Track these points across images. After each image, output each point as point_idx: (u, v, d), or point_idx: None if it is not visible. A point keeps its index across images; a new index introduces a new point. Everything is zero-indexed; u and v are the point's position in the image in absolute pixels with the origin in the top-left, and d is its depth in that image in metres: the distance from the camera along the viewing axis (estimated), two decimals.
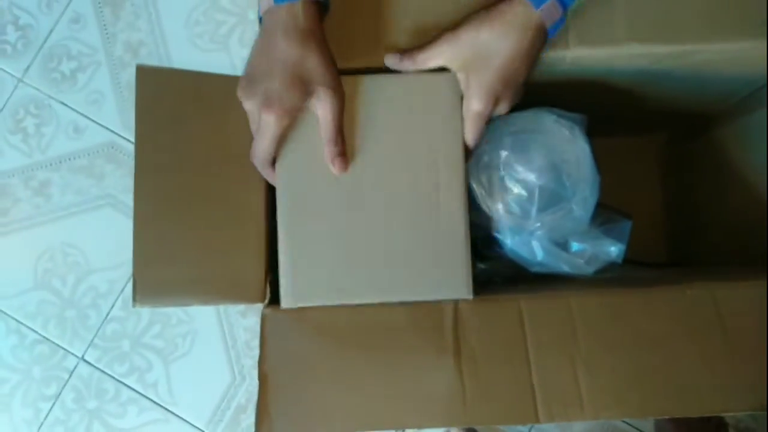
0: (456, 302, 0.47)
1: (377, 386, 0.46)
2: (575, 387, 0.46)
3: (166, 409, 0.83)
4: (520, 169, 0.52)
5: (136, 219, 0.47)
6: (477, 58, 0.45)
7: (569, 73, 0.53)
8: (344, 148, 0.45)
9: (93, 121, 0.89)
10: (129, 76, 0.90)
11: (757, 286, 0.47)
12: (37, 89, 0.90)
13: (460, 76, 0.47)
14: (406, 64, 0.47)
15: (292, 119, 0.44)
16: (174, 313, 0.84)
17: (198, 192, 0.48)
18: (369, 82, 0.47)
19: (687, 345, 0.46)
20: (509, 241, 0.53)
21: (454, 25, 0.46)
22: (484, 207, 0.53)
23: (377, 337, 0.47)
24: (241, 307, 0.84)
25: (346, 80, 0.46)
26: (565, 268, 0.52)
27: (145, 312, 0.85)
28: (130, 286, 0.85)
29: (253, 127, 0.46)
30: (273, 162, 0.47)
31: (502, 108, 0.47)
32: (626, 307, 0.47)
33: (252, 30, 0.89)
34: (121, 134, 0.89)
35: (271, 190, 0.49)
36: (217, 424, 0.83)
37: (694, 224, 0.73)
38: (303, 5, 0.42)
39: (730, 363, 0.46)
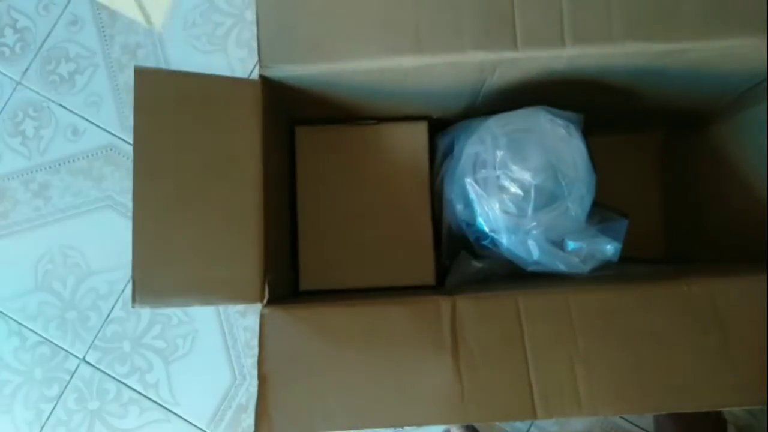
0: (454, 299, 0.48)
1: (376, 385, 0.46)
2: (573, 384, 0.46)
3: (168, 409, 0.83)
4: (515, 168, 0.52)
5: (135, 220, 0.47)
6: None
7: (565, 72, 0.54)
8: None
9: (92, 123, 0.90)
10: (127, 78, 0.90)
11: (755, 281, 0.47)
12: (36, 92, 0.91)
13: None
14: None
15: None
16: (174, 313, 0.85)
17: (197, 193, 0.48)
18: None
19: (685, 341, 0.46)
20: (505, 240, 0.53)
21: None
22: (479, 205, 0.54)
23: (376, 336, 0.47)
24: (241, 307, 0.84)
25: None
26: (562, 267, 0.53)
27: (146, 313, 0.85)
28: (130, 287, 0.86)
29: None
30: None
31: None
32: (624, 303, 0.47)
33: (249, 31, 0.89)
34: (120, 136, 0.89)
35: (268, 191, 0.49)
36: (218, 423, 0.83)
37: (692, 221, 0.73)
38: None
39: (728, 359, 0.46)
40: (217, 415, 0.83)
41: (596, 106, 0.58)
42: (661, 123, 0.77)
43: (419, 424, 0.46)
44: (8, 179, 0.89)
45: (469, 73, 0.54)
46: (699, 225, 0.71)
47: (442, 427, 0.81)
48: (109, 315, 0.85)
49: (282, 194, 0.62)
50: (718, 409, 0.76)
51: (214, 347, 0.84)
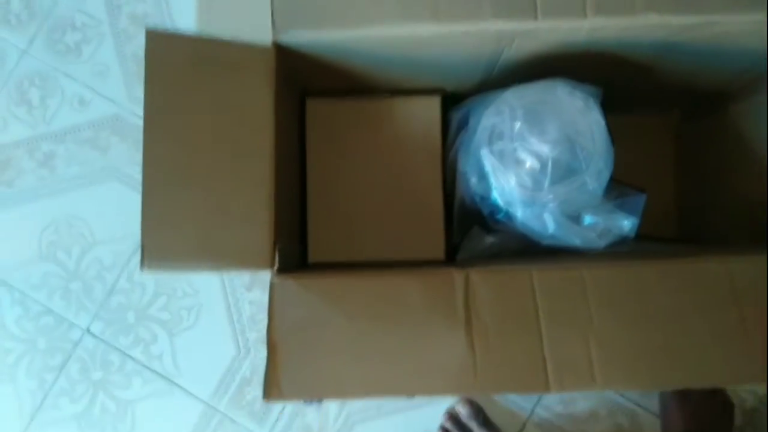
0: (467, 272, 0.47)
1: (387, 355, 0.46)
2: (587, 358, 0.46)
3: (171, 380, 0.83)
4: (533, 140, 0.51)
5: (145, 183, 0.46)
6: None
7: (585, 44, 0.52)
8: None
9: (98, 93, 0.88)
10: (134, 48, 0.89)
11: None
12: (42, 61, 0.89)
13: None
14: None
15: None
16: (179, 286, 0.84)
17: (207, 158, 0.47)
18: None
19: (701, 317, 0.46)
20: (520, 213, 0.52)
21: None
22: (494, 178, 0.53)
23: (388, 307, 0.47)
24: (246, 280, 0.83)
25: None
26: (577, 242, 0.52)
27: (150, 284, 0.85)
28: (135, 258, 0.85)
29: None
30: None
31: None
32: (641, 279, 0.47)
33: None
34: (127, 107, 0.88)
35: (279, 159, 0.49)
36: (222, 396, 0.83)
37: (707, 202, 0.72)
38: None
39: (744, 336, 0.45)
40: (220, 387, 0.83)
41: (614, 82, 0.57)
42: (679, 101, 0.76)
43: (431, 394, 0.46)
44: (13, 148, 0.88)
45: (486, 43, 0.53)
46: (714, 205, 0.70)
47: (450, 401, 0.81)
48: (114, 286, 0.85)
49: (292, 165, 0.62)
50: (732, 386, 0.75)
51: (219, 320, 0.83)
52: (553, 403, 0.81)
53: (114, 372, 0.83)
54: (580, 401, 0.81)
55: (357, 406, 0.82)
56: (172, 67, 0.48)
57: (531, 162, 0.51)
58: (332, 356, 0.45)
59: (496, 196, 0.53)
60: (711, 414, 0.70)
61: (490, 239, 0.58)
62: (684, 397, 0.72)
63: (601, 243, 0.52)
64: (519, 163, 0.52)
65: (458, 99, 0.64)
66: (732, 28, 0.51)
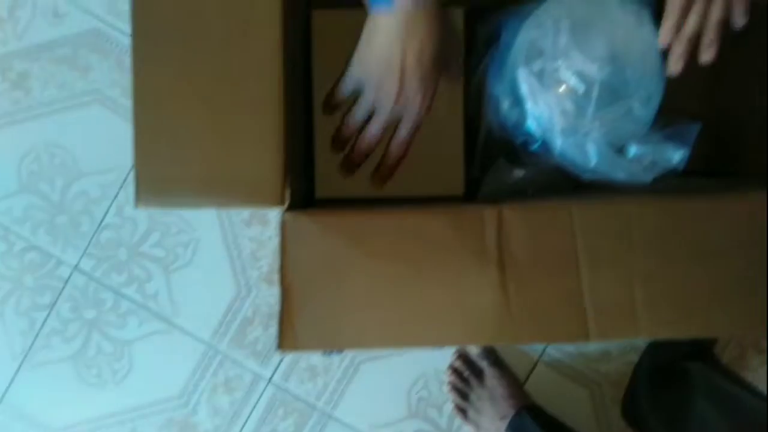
0: (500, 208, 0.42)
1: (413, 300, 0.42)
2: (630, 303, 0.42)
3: (168, 320, 0.79)
4: (579, 59, 0.45)
5: (136, 106, 0.40)
6: None
7: None
8: None
9: (75, 3, 0.79)
10: None
11: None
12: None
13: None
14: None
15: None
16: (173, 221, 0.79)
17: (206, 75, 0.41)
18: None
19: (752, 258, 0.43)
20: (560, 142, 0.47)
21: None
22: (532, 102, 0.47)
23: (412, 246, 0.42)
24: (246, 215, 0.78)
25: None
26: (621, 176, 0.47)
27: (142, 219, 0.79)
28: (123, 191, 0.79)
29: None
30: None
31: None
32: (689, 216, 0.43)
33: None
34: (108, 21, 0.79)
35: (287, 75, 0.42)
36: (222, 336, 0.79)
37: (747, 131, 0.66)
38: None
39: None
40: (221, 327, 0.79)
41: None
42: None
43: (460, 344, 0.42)
44: None
45: None
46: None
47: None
48: (102, 220, 0.79)
49: (297, 88, 0.55)
50: None
51: (217, 257, 0.79)
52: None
53: (107, 311, 0.79)
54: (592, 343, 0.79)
55: None
56: None
57: (575, 83, 0.45)
58: (352, 301, 0.42)
59: (532, 123, 0.48)
60: None
61: (519, 173, 0.52)
62: None
63: (648, 177, 0.47)
64: (561, 84, 0.46)
65: (486, 11, 0.57)
66: None
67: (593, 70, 0.45)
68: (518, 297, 0.42)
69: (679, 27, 0.40)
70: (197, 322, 0.79)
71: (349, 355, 0.79)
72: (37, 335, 0.80)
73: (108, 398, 0.80)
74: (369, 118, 0.50)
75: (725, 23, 0.42)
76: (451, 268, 0.42)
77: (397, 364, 0.79)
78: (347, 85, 0.50)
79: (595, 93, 0.45)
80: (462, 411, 0.76)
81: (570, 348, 0.80)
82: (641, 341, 0.78)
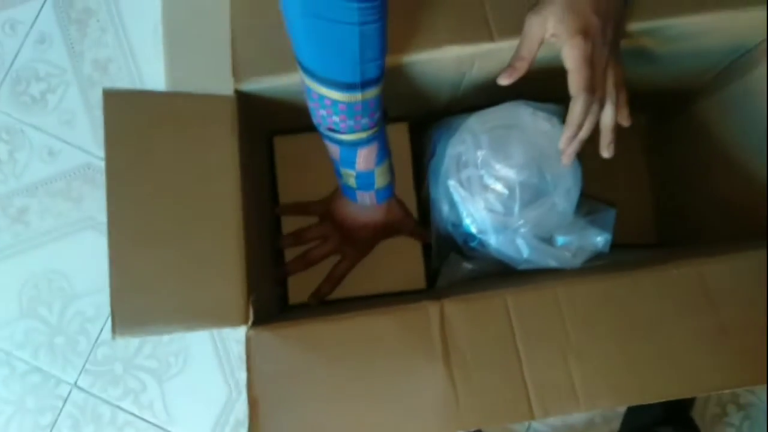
0: (441, 303, 0.47)
1: (369, 399, 0.45)
2: (568, 378, 0.45)
3: (164, 429, 0.82)
4: (498, 166, 0.51)
5: (110, 247, 0.45)
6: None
7: (545, 60, 0.52)
8: None
9: (67, 143, 0.88)
10: (100, 94, 0.87)
11: (741, 258, 0.47)
12: (8, 114, 0.88)
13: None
14: (519, 68, 0.46)
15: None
16: None
17: (174, 215, 0.47)
18: None
19: (679, 325, 0.46)
20: (493, 240, 0.52)
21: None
22: (465, 207, 0.53)
23: (364, 348, 0.46)
24: None
25: None
26: (553, 263, 0.52)
27: None
28: None
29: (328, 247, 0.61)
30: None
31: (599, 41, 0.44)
32: (613, 291, 0.47)
33: None
34: (97, 154, 0.87)
35: (247, 209, 0.48)
36: None
37: (681, 202, 0.72)
38: None
39: (724, 339, 0.45)
40: (215, 430, 0.82)
41: None
42: (644, 106, 0.76)
43: None
44: None
45: (447, 68, 0.53)
46: (687, 206, 0.70)
47: None
48: (98, 338, 0.84)
49: (264, 207, 0.61)
50: (719, 392, 0.75)
51: (208, 363, 0.83)
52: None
53: (106, 425, 0.82)
54: None
55: None
56: (132, 125, 0.48)
57: (499, 188, 0.51)
58: (314, 405, 0.45)
59: (468, 224, 0.53)
60: None
61: (468, 266, 0.58)
62: None
63: (577, 261, 0.52)
64: (487, 189, 0.51)
65: (425, 125, 0.64)
66: (686, 30, 0.52)
67: (512, 174, 0.50)
68: (464, 386, 0.45)
69: (575, 136, 0.46)
70: (192, 427, 0.82)
71: None
72: None
73: None
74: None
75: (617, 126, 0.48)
76: (403, 365, 0.46)
77: None
78: (316, 208, 0.63)
79: (518, 193, 0.51)
80: None
81: (555, 421, 0.82)
82: (621, 408, 0.80)
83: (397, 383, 0.45)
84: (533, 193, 0.51)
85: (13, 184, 0.87)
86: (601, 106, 0.45)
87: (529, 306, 0.47)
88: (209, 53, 0.50)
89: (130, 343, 0.84)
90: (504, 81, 0.46)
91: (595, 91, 0.44)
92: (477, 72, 0.54)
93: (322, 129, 0.48)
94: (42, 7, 0.89)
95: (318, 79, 0.42)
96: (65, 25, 0.89)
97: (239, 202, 0.47)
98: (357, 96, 0.43)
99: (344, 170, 0.53)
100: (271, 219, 0.64)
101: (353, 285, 0.62)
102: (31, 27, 0.89)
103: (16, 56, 0.89)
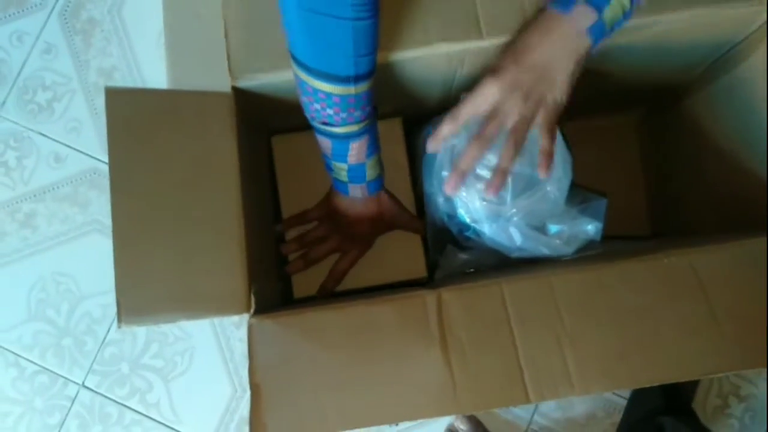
0: (438, 292, 0.48)
1: (368, 384, 0.46)
2: (563, 364, 0.46)
3: (171, 427, 0.83)
4: (491, 157, 0.52)
5: (115, 240, 0.47)
6: (507, 55, 0.47)
7: None
8: None
9: (73, 149, 0.90)
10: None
11: (731, 248, 0.47)
12: (15, 122, 0.91)
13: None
14: (454, 120, 0.48)
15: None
16: (170, 331, 0.85)
17: (175, 209, 0.48)
18: None
19: (670, 312, 0.47)
20: (487, 229, 0.53)
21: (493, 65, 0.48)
22: (459, 198, 0.54)
23: (364, 335, 0.47)
24: (236, 319, 0.84)
25: None
26: (545, 251, 0.53)
27: (142, 333, 0.85)
28: None
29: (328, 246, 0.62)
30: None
31: (541, 110, 0.47)
32: (606, 280, 0.47)
33: None
34: (102, 159, 0.89)
35: (248, 201, 0.50)
36: None
37: (674, 196, 0.73)
38: None
39: (715, 325, 0.46)
40: (220, 428, 0.83)
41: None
42: (636, 102, 0.77)
43: (413, 419, 0.46)
44: None
45: (438, 65, 0.54)
46: (679, 199, 0.72)
47: (441, 422, 0.81)
48: (105, 338, 0.85)
49: (265, 204, 0.63)
50: (708, 377, 0.76)
51: (213, 361, 0.84)
52: (550, 410, 0.82)
53: (113, 425, 0.84)
54: (578, 405, 0.82)
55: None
56: (134, 122, 0.50)
57: (487, 175, 0.52)
58: (314, 391, 0.46)
59: (463, 214, 0.54)
60: None
61: (463, 257, 0.59)
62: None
63: (569, 249, 0.53)
64: (480, 180, 0.53)
65: (418, 122, 0.66)
66: (673, 26, 0.53)
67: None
68: (461, 371, 0.46)
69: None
70: (198, 425, 0.83)
71: None
72: None
73: None
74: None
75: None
76: (401, 351, 0.47)
77: None
78: (314, 214, 0.63)
79: (510, 183, 0.52)
80: None
81: (557, 414, 0.82)
82: (624, 401, 0.81)
83: (396, 369, 0.46)
84: (525, 183, 0.53)
85: (22, 190, 0.89)
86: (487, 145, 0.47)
87: (524, 293, 0.47)
88: (208, 52, 0.52)
89: (136, 343, 0.85)
90: (430, 146, 0.50)
91: (479, 134, 0.47)
92: (468, 69, 0.56)
93: (316, 123, 0.50)
94: (48, 18, 0.92)
95: (312, 72, 0.44)
96: (70, 35, 0.92)
97: (239, 194, 0.49)
98: (350, 89, 0.45)
99: (336, 164, 0.54)
100: (272, 216, 0.65)
101: (358, 277, 0.63)
102: (38, 38, 0.92)
103: (23, 66, 0.92)
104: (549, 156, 0.48)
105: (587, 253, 0.54)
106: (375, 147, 0.55)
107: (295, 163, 0.66)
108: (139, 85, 0.91)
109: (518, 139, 0.47)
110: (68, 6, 0.92)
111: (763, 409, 0.81)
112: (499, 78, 0.46)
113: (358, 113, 0.48)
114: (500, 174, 0.47)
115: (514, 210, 0.52)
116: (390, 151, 0.64)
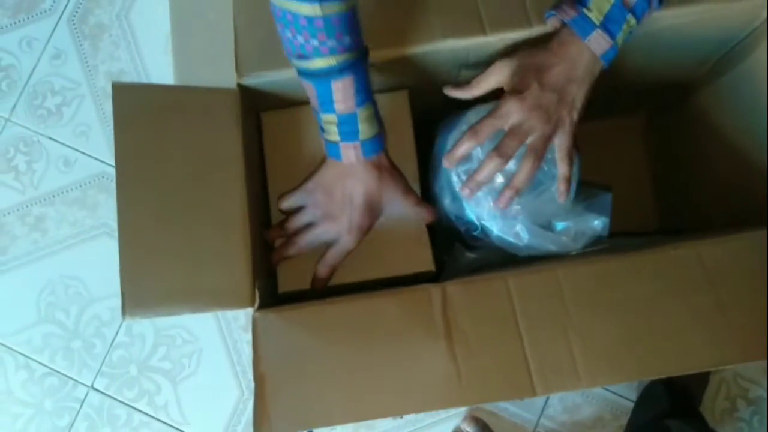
0: (444, 285, 0.47)
1: (372, 376, 0.46)
2: (569, 356, 0.46)
3: (179, 429, 0.83)
4: None
5: (120, 233, 0.47)
6: (529, 72, 0.49)
7: None
8: None
9: (82, 153, 0.91)
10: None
11: (738, 239, 0.47)
12: (25, 127, 0.92)
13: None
14: (466, 93, 0.53)
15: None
16: (178, 333, 0.85)
17: (181, 203, 0.48)
18: None
19: (677, 304, 0.46)
20: (494, 228, 0.53)
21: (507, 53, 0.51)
22: (465, 198, 0.54)
23: (368, 328, 0.47)
24: (243, 321, 0.84)
25: None
26: (553, 248, 0.53)
27: (150, 335, 0.85)
28: None
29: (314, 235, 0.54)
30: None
31: (560, 131, 0.50)
32: (613, 272, 0.47)
33: None
34: (111, 163, 0.90)
35: (252, 196, 0.50)
36: None
37: (681, 193, 0.73)
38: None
39: (723, 317, 0.46)
40: (227, 430, 0.83)
41: None
42: (643, 102, 0.77)
43: (418, 411, 0.46)
44: (4, 215, 0.90)
45: (443, 60, 0.55)
46: (687, 196, 0.71)
47: (448, 424, 0.81)
48: (113, 341, 0.86)
49: (260, 195, 0.59)
50: (716, 368, 0.75)
51: (220, 364, 0.84)
52: (557, 413, 0.81)
53: (121, 426, 0.84)
54: (585, 408, 0.81)
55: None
56: (140, 116, 0.50)
57: (498, 178, 0.52)
58: (319, 384, 0.46)
59: (470, 213, 0.54)
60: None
61: (471, 255, 0.58)
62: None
63: (577, 246, 0.53)
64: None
65: (428, 123, 0.65)
66: (680, 21, 0.53)
67: (510, 165, 0.51)
68: (466, 363, 0.46)
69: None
70: (206, 427, 0.83)
71: None
72: None
73: None
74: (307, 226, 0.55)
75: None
76: (405, 344, 0.47)
77: None
78: (297, 199, 0.55)
79: None
80: None
81: (563, 417, 0.81)
82: (631, 404, 0.80)
83: (401, 361, 0.46)
84: (532, 183, 0.52)
85: (32, 194, 0.90)
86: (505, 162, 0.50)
87: (530, 286, 0.47)
88: (214, 51, 0.52)
89: (144, 345, 0.85)
90: (449, 92, 0.53)
91: (499, 150, 0.50)
92: (474, 63, 0.56)
93: (293, 59, 0.47)
94: (57, 23, 0.93)
95: None
96: (79, 40, 0.93)
97: (244, 189, 0.49)
98: (316, 8, 0.43)
99: (325, 117, 0.49)
100: (263, 203, 0.58)
101: (360, 270, 0.56)
102: (47, 43, 0.93)
103: (32, 71, 0.93)
104: (567, 182, 0.51)
105: (595, 249, 0.54)
106: (366, 94, 0.49)
107: (285, 138, 0.59)
108: None
109: (537, 157, 0.49)
110: (77, 11, 0.93)
111: None
112: (523, 98, 0.49)
113: (331, 42, 0.45)
114: (513, 190, 0.50)
115: (520, 208, 0.52)
116: (396, 125, 0.57)
